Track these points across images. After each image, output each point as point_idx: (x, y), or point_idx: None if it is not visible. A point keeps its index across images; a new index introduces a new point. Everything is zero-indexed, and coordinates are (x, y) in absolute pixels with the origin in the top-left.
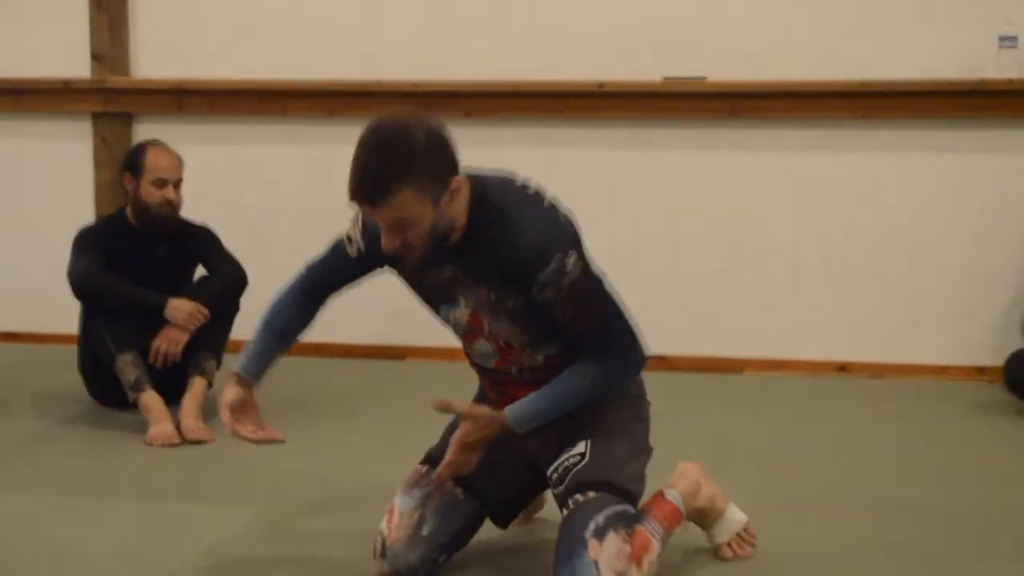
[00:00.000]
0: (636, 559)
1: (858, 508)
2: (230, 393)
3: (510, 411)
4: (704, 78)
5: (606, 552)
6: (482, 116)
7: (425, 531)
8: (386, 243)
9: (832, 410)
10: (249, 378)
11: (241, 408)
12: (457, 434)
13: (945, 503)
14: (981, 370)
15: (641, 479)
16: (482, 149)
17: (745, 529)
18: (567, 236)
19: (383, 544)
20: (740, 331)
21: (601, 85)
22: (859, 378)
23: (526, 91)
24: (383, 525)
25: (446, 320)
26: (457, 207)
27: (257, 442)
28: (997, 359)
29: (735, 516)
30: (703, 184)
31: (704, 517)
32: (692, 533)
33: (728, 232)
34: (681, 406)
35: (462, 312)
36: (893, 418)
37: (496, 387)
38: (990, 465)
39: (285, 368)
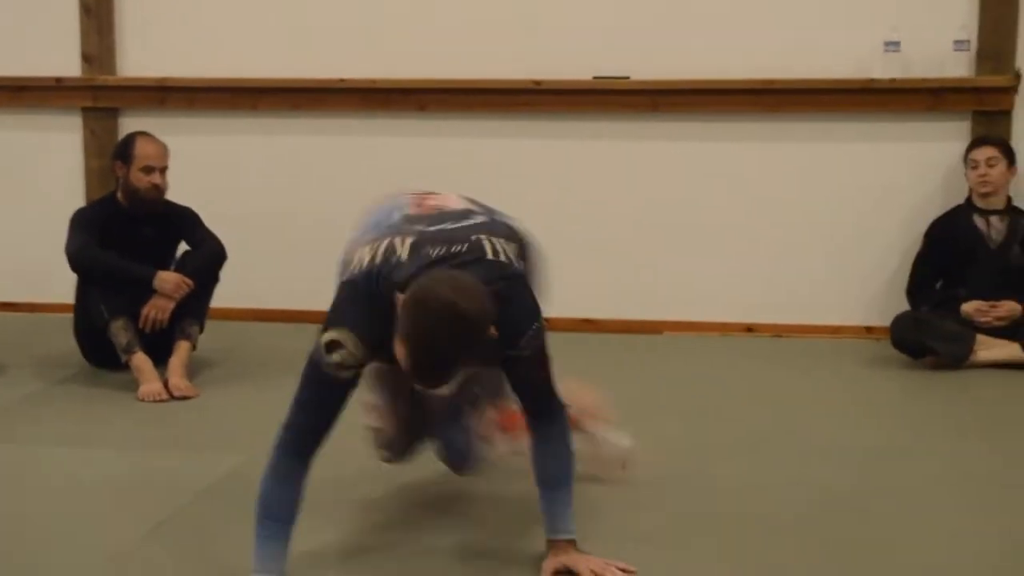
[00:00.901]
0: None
1: (770, 451)
2: None
3: (566, 529)
4: (628, 77)
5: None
6: (435, 110)
7: (404, 413)
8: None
9: (741, 366)
10: (275, 574)
11: None
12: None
13: (849, 445)
14: (870, 329)
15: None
16: (434, 139)
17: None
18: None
19: (380, 436)
20: (659, 296)
21: (538, 83)
22: (764, 337)
23: (474, 88)
24: (372, 422)
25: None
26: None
27: None
28: (884, 320)
29: (617, 439)
30: (629, 170)
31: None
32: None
33: (650, 210)
34: (607, 364)
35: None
36: (796, 372)
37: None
38: (884, 411)
39: (264, 332)
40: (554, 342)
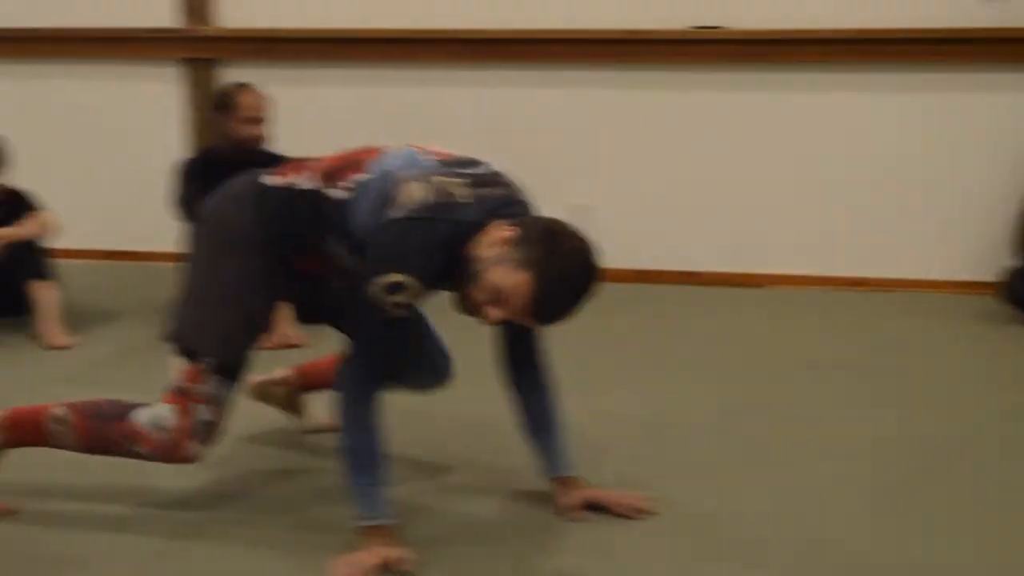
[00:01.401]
0: None
1: (880, 407)
2: (373, 554)
3: (571, 470)
4: (720, 27)
5: None
6: (526, 60)
7: None
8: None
9: (846, 320)
10: (387, 520)
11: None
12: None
13: (963, 400)
14: (976, 284)
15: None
16: (526, 90)
17: None
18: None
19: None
20: (762, 249)
21: (633, 33)
22: (869, 291)
23: (567, 38)
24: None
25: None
26: None
27: None
28: (987, 274)
29: None
30: (730, 122)
31: None
32: None
33: (753, 162)
34: (707, 318)
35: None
36: (904, 326)
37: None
38: (995, 366)
39: None
40: (655, 294)
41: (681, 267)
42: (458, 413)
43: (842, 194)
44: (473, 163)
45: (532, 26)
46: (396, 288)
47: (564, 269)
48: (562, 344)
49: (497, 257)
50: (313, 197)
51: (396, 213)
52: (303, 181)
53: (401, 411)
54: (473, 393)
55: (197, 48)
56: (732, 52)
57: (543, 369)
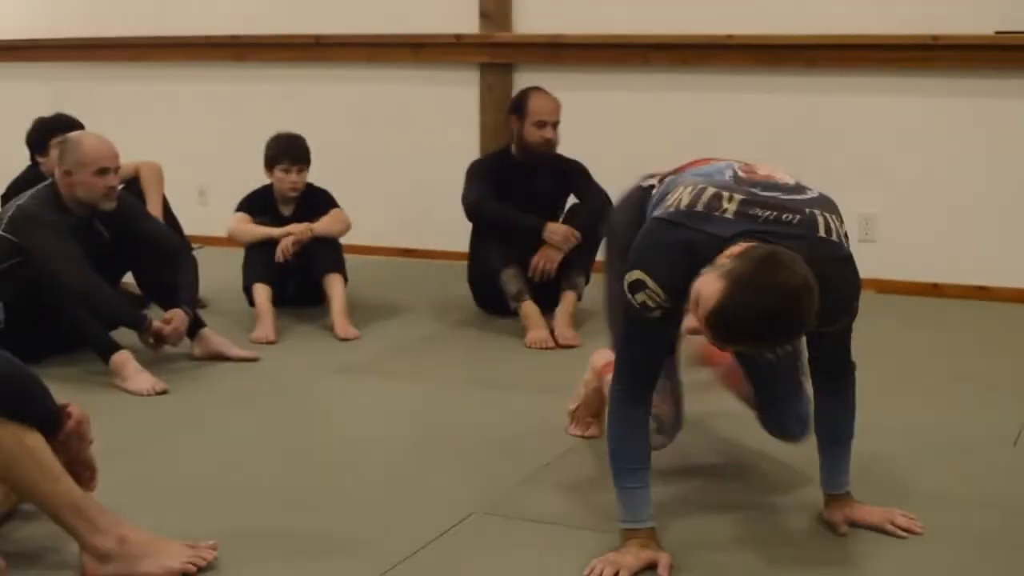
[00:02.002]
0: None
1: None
2: (637, 557)
3: (835, 488)
4: None
5: None
6: (823, 66)
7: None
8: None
9: None
10: (648, 523)
11: None
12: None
13: None
14: None
15: None
16: (822, 97)
17: None
18: (858, 274)
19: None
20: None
21: (937, 38)
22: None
23: (867, 44)
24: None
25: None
26: None
27: None
28: None
29: None
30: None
31: None
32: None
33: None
34: (998, 334)
35: None
36: None
37: None
38: None
39: None
40: (945, 309)
41: (971, 281)
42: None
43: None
44: (791, 189)
45: (824, 31)
46: (636, 286)
47: (761, 292)
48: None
49: (714, 266)
50: (644, 194)
51: (656, 213)
52: (654, 180)
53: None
54: None
55: (494, 53)
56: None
57: (843, 382)
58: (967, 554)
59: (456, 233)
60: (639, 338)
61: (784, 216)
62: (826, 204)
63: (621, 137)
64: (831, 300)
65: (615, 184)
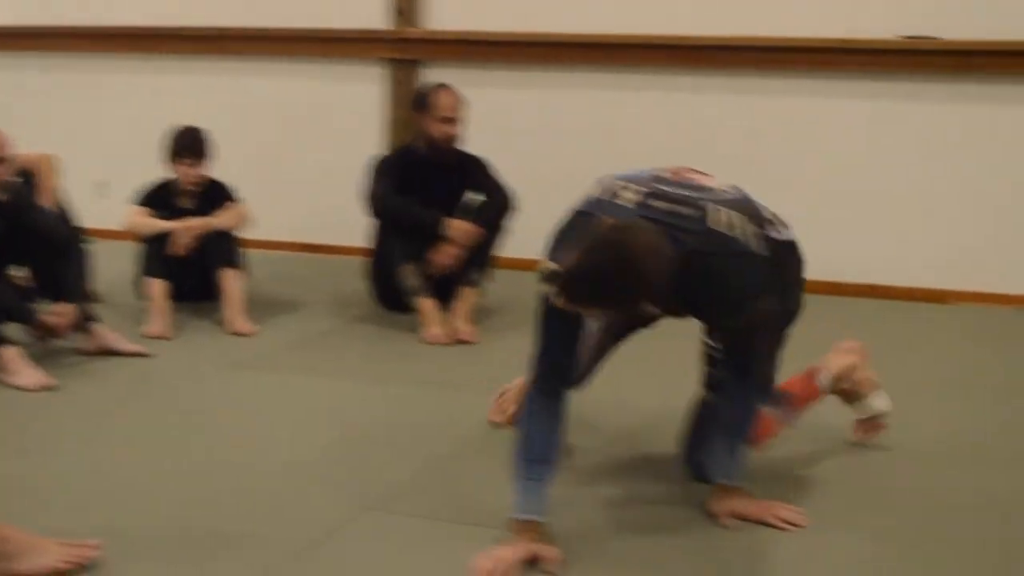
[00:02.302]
0: (755, 441)
1: None
2: (520, 550)
3: (725, 478)
4: (935, 38)
5: None
6: (741, 67)
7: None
8: (564, 305)
9: None
10: (539, 517)
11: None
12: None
13: None
14: None
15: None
16: (739, 97)
17: (878, 417)
18: (762, 275)
19: None
20: (946, 264)
21: (845, 42)
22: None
23: (781, 46)
24: None
25: None
26: (654, 304)
27: None
28: None
29: (876, 403)
30: (925, 132)
31: (847, 396)
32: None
33: (940, 174)
34: (888, 332)
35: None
36: None
37: None
38: None
39: None
40: (838, 306)
41: (867, 280)
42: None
43: None
44: (706, 189)
45: (742, 32)
46: (548, 277)
47: (600, 252)
48: None
49: None
50: None
51: (576, 206)
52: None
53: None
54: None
55: (402, 49)
56: (938, 63)
57: (739, 383)
58: (857, 545)
59: (358, 229)
60: (551, 329)
61: (680, 209)
62: (736, 204)
63: (528, 134)
64: (718, 291)
65: (520, 180)
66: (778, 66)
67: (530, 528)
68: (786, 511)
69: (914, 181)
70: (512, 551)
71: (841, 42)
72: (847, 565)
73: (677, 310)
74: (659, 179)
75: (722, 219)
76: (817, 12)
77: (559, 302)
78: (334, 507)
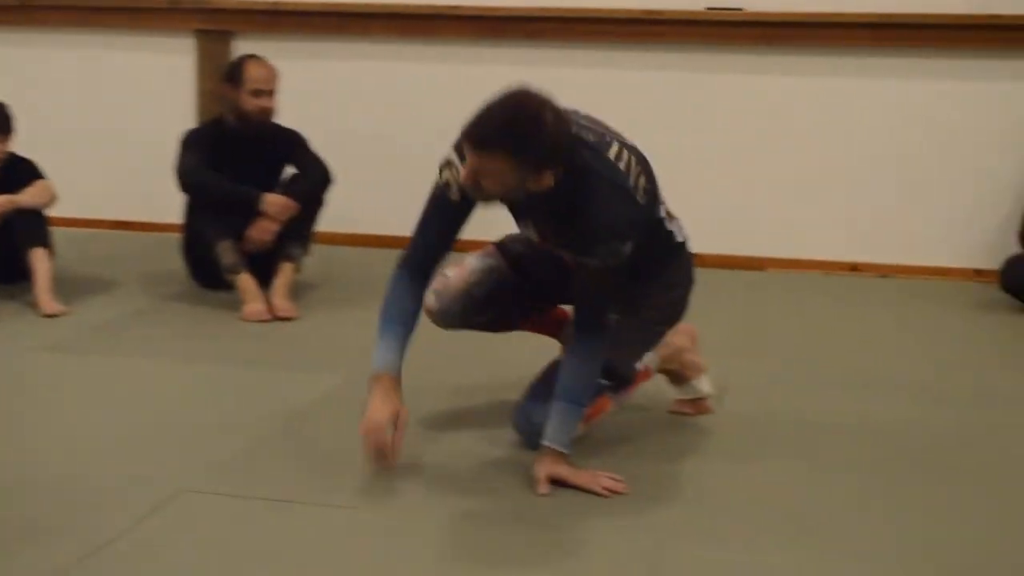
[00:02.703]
0: (586, 419)
1: (867, 392)
2: (384, 409)
3: (554, 439)
4: (741, 8)
5: None
6: (545, 39)
7: (476, 291)
8: (464, 176)
9: (844, 305)
10: (394, 372)
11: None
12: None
13: (950, 388)
14: (979, 272)
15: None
16: (544, 69)
17: (701, 399)
18: (630, 229)
19: (442, 284)
20: (763, 233)
21: (650, 13)
22: (869, 277)
23: (586, 17)
24: (449, 271)
25: (518, 227)
26: (543, 184)
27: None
28: (994, 263)
29: (701, 387)
30: (739, 104)
31: (674, 377)
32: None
33: (757, 146)
34: (707, 299)
35: (533, 231)
36: (900, 313)
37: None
38: (989, 354)
39: (363, 257)
40: None
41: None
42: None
43: (845, 179)
44: (605, 126)
45: (546, 4)
46: (445, 166)
47: (496, 98)
48: None
49: None
50: None
51: None
52: None
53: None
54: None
55: (212, 19)
56: (744, 35)
57: (590, 339)
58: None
59: (172, 205)
60: (432, 215)
61: (586, 134)
62: (634, 149)
63: (341, 107)
64: (588, 217)
65: (335, 154)
66: (582, 37)
67: (384, 381)
68: (608, 480)
69: (725, 149)
70: (379, 411)
71: (647, 13)
72: (666, 527)
73: (551, 231)
74: (576, 112)
75: (621, 156)
76: None
77: (453, 175)
78: (152, 490)
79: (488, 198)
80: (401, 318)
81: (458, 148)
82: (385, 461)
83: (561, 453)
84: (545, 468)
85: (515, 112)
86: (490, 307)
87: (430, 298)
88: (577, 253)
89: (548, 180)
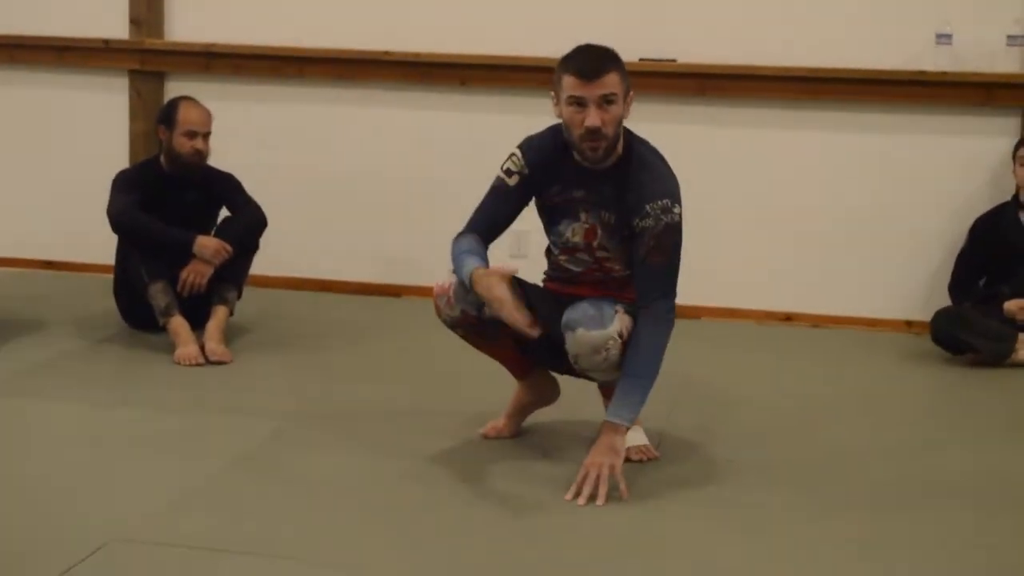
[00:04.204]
0: None
1: (800, 442)
2: (503, 287)
3: (620, 415)
4: (675, 60)
5: None
6: (476, 86)
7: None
8: (592, 119)
9: (777, 355)
10: (485, 265)
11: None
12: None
13: (882, 439)
14: (910, 323)
15: None
16: (475, 115)
17: (646, 447)
18: (679, 192)
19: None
20: (699, 283)
21: None
22: (802, 327)
23: (515, 65)
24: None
25: (559, 235)
26: (624, 119)
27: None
28: (925, 314)
29: (637, 437)
30: (672, 153)
31: None
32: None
33: (690, 195)
34: None
35: (579, 226)
36: (833, 363)
37: (565, 285)
38: (920, 406)
39: (297, 301)
40: None
41: None
42: None
43: (779, 230)
44: None
45: (477, 51)
46: (509, 156)
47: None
48: None
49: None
50: None
51: None
52: None
53: None
54: None
55: (145, 60)
56: (680, 85)
57: (654, 318)
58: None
59: (103, 246)
60: (491, 196)
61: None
62: None
63: (275, 149)
64: (642, 177)
65: (268, 197)
66: (513, 83)
67: (482, 270)
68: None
69: None
70: (497, 273)
71: None
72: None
73: (606, 206)
74: None
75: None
76: (547, 33)
77: (514, 162)
78: (76, 541)
79: (607, 145)
80: (475, 249)
81: (521, 145)
82: (529, 324)
83: (620, 426)
84: (604, 442)
85: (596, 45)
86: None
87: (461, 293)
88: (633, 215)
89: (629, 109)
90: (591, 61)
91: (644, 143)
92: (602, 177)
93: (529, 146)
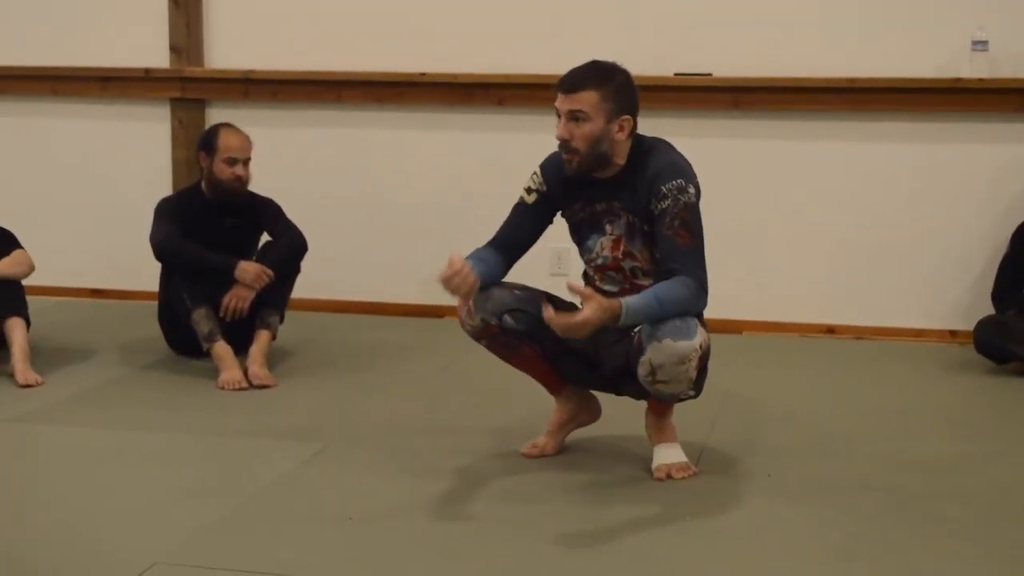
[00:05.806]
0: None
1: (844, 454)
2: (460, 259)
3: (627, 302)
4: (710, 74)
5: None
6: (514, 105)
7: (520, 292)
8: (560, 131)
9: (820, 368)
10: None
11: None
12: (585, 313)
13: (926, 450)
14: (954, 333)
15: None
16: (513, 134)
17: (686, 464)
18: (693, 175)
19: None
20: (740, 296)
21: None
22: (845, 339)
23: (552, 84)
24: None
25: (590, 251)
26: (619, 142)
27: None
28: (969, 324)
29: (675, 455)
30: (708, 169)
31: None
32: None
33: (730, 209)
34: None
35: (607, 239)
36: (876, 375)
37: None
38: (964, 416)
39: (339, 324)
40: None
41: None
42: None
43: (820, 242)
44: None
45: (513, 71)
46: (532, 175)
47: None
48: None
49: None
50: None
51: None
52: None
53: None
54: None
55: (185, 88)
56: (715, 99)
57: (684, 279)
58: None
59: (147, 273)
60: (513, 213)
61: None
62: None
63: (314, 174)
64: (655, 164)
65: (309, 221)
66: (550, 103)
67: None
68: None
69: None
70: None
71: None
72: None
73: (623, 206)
74: None
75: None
76: (583, 51)
77: (534, 180)
78: (126, 562)
79: (580, 162)
80: (478, 254)
81: (542, 163)
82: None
83: (621, 312)
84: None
85: (595, 63)
86: (523, 312)
87: (481, 300)
88: (651, 199)
89: (624, 131)
90: (571, 76)
91: (656, 141)
92: (617, 184)
93: (548, 164)
